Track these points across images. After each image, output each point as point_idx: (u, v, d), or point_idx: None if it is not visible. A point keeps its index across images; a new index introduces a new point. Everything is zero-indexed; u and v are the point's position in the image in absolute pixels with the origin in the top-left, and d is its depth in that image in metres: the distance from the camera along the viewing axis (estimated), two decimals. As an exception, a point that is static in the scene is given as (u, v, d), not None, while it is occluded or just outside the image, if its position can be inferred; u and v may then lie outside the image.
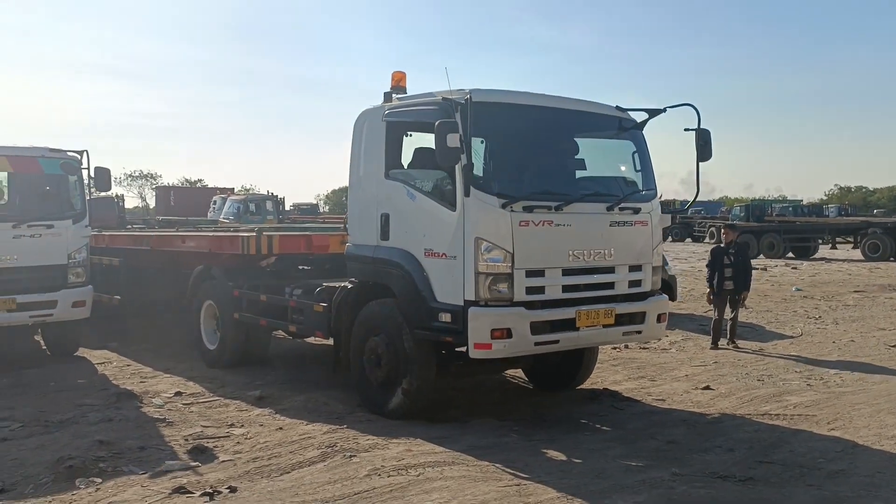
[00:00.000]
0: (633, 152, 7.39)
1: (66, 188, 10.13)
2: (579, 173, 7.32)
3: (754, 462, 5.88)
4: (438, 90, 6.79)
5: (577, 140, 7.39)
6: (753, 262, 27.59)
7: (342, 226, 19.16)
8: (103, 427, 6.92)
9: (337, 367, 7.83)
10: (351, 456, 5.97)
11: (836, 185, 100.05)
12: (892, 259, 28.61)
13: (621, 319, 6.97)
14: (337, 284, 7.98)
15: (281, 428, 6.90)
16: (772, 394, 8.13)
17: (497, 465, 5.78)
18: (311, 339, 10.45)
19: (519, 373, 8.81)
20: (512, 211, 6.38)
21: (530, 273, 6.49)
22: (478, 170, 6.47)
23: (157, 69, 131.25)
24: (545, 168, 7.13)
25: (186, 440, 6.55)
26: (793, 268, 26.33)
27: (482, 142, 6.72)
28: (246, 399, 7.98)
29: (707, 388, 8.44)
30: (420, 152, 7.26)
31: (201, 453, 6.20)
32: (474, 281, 6.32)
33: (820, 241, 34.30)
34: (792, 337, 11.93)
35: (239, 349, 9.56)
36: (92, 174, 10.21)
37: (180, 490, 5.32)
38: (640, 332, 7.26)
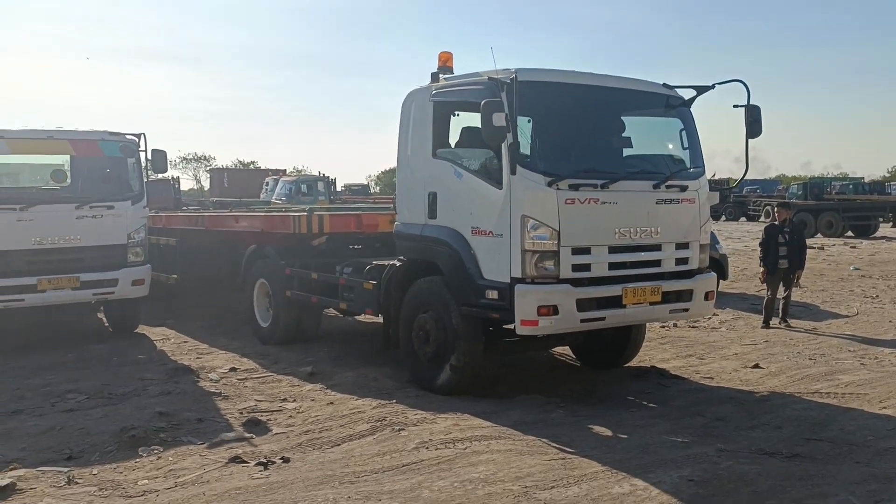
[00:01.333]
0: (681, 130, 7.34)
1: (124, 170, 10.44)
2: (626, 151, 7.29)
3: (802, 439, 5.85)
4: (485, 70, 6.83)
5: (624, 118, 7.35)
6: (810, 241, 27.12)
7: (392, 206, 19.44)
8: (163, 400, 7.21)
9: (387, 343, 7.97)
10: (400, 429, 6.12)
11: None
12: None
13: (668, 297, 6.97)
14: (386, 263, 8.10)
15: (332, 403, 7.09)
16: (823, 372, 8.03)
17: (542, 439, 5.86)
18: (360, 317, 10.63)
19: (567, 350, 8.86)
20: (558, 189, 6.42)
21: (576, 251, 6.52)
22: (524, 148, 6.52)
23: (211, 54, 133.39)
24: (591, 146, 7.14)
25: (241, 413, 6.78)
26: (851, 246, 25.69)
27: (528, 120, 6.77)
28: (298, 375, 8.20)
29: (756, 366, 8.38)
30: (467, 131, 7.34)
31: (255, 426, 6.42)
32: (521, 258, 6.39)
33: (881, 220, 33.37)
34: (847, 316, 11.71)
35: (291, 326, 9.76)
36: (149, 156, 10.53)
37: (236, 459, 5.55)
38: (686, 310, 7.24)
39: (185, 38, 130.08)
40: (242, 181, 40.64)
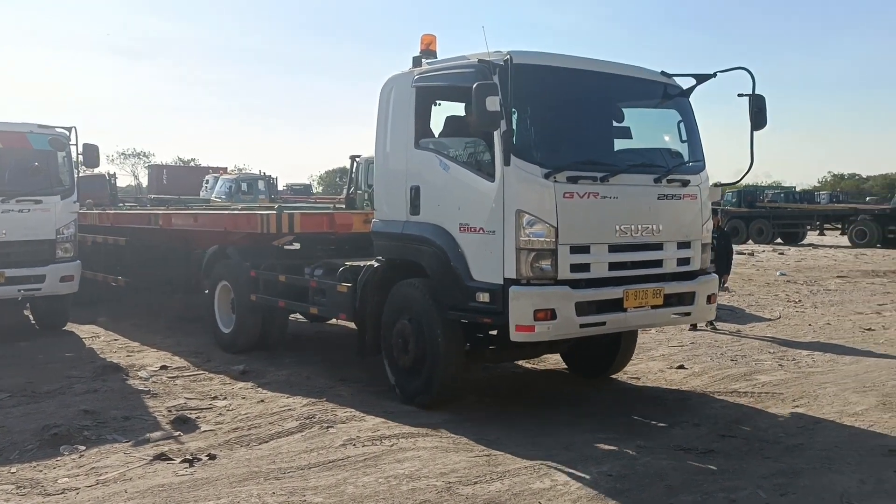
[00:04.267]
0: (679, 121, 6.94)
1: (54, 164, 10.25)
2: (625, 143, 6.86)
3: (717, 436, 6.08)
4: (472, 52, 6.41)
5: (622, 107, 6.95)
6: (742, 247, 28.03)
7: (332, 206, 19.32)
8: (89, 398, 7.11)
9: (362, 351, 7.43)
10: (328, 427, 6.17)
11: (829, 172, 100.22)
12: (878, 246, 28.88)
13: (670, 300, 6.57)
14: (362, 264, 7.56)
15: (262, 401, 7.08)
16: (743, 373, 8.34)
17: (469, 437, 5.97)
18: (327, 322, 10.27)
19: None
20: (556, 182, 5.93)
21: (575, 249, 6.05)
22: (518, 137, 5.98)
23: (154, 46, 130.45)
24: (590, 136, 6.68)
25: (170, 411, 6.73)
26: (780, 253, 26.58)
27: (523, 107, 6.13)
28: (230, 373, 8.16)
29: (681, 367, 8.64)
30: (452, 120, 6.96)
31: (183, 423, 6.39)
32: (515, 257, 5.90)
33: (808, 228, 34.63)
34: (770, 319, 12.14)
35: (255, 332, 9.19)
36: (80, 151, 10.33)
37: (161, 457, 5.52)
38: (689, 314, 6.83)
39: (125, 29, 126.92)
40: (182, 178, 39.89)
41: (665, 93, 6.97)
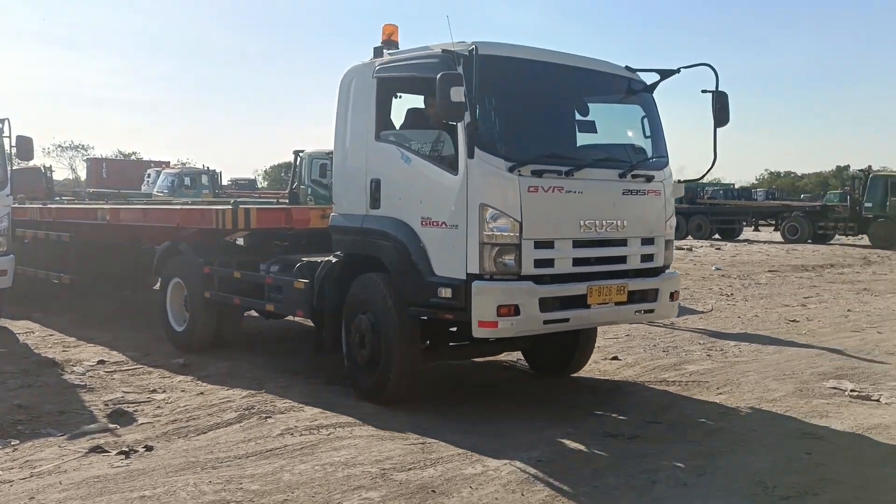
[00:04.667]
0: (643, 117, 6.94)
1: (-14, 157, 10.02)
2: (590, 137, 6.88)
3: (644, 422, 6.35)
4: (436, 43, 6.33)
5: (587, 101, 6.93)
6: (681, 242, 28.72)
7: (275, 200, 19.21)
8: (23, 393, 7.03)
9: (319, 348, 7.28)
10: (267, 417, 6.25)
11: (766, 170, 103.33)
12: (809, 241, 29.95)
13: (633, 296, 6.54)
14: (319, 259, 7.34)
15: (202, 393, 7.11)
16: (673, 363, 8.66)
17: (405, 426, 6.11)
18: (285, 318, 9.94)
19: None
20: (520, 175, 5.87)
21: (539, 244, 5.99)
22: (482, 130, 5.88)
23: (95, 37, 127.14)
24: (554, 129, 6.66)
25: (106, 405, 6.71)
26: (717, 248, 27.36)
27: (487, 99, 6.03)
28: (169, 367, 8.14)
29: (615, 358, 8.92)
30: (414, 113, 6.92)
31: (120, 417, 6.38)
32: (478, 252, 5.82)
33: (745, 224, 35.69)
34: (702, 312, 12.58)
35: (210, 330, 8.91)
36: (13, 143, 10.14)
37: (97, 449, 5.52)
38: (652, 311, 6.77)
39: (64, 18, 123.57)
40: (122, 172, 39.26)
41: (629, 87, 6.95)
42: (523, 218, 5.86)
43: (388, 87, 6.86)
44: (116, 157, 66.26)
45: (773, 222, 34.32)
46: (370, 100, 6.84)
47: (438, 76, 5.62)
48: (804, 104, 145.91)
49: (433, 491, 4.79)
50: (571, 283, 6.16)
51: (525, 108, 6.44)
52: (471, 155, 5.79)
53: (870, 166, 29.69)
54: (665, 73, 6.92)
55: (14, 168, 10.55)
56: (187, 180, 29.01)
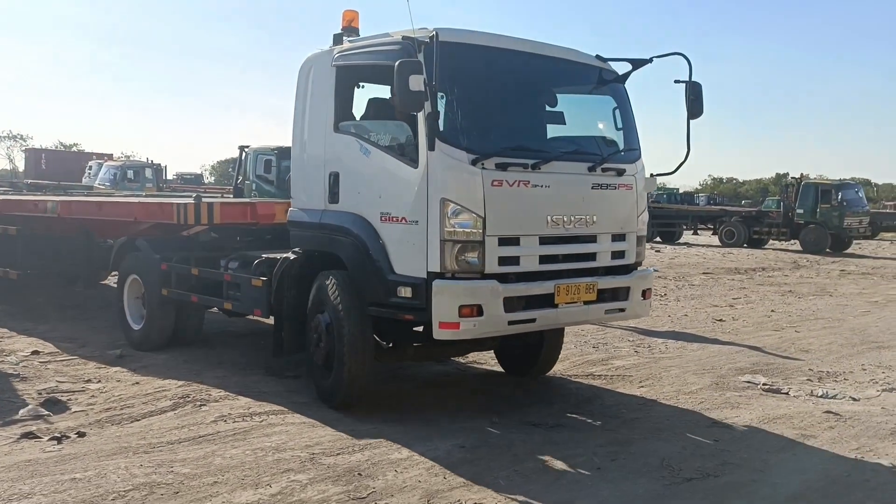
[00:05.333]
0: (615, 108, 6.69)
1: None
2: (558, 129, 6.63)
3: (566, 413, 6.66)
4: (396, 30, 6.08)
5: (556, 92, 6.71)
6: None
7: (220, 195, 19.10)
8: (-46, 381, 7.02)
9: (278, 349, 6.91)
10: (201, 405, 6.39)
11: (710, 175, 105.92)
12: (745, 246, 30.94)
13: (603, 295, 6.33)
14: (279, 256, 7.06)
15: (137, 383, 7.20)
16: (601, 358, 9.01)
17: (336, 415, 6.29)
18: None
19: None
20: (483, 168, 5.62)
21: (504, 241, 5.75)
22: (444, 120, 5.69)
23: (34, 23, 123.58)
24: (520, 121, 6.40)
25: (40, 394, 6.76)
26: (657, 251, 28.06)
27: (449, 88, 5.77)
28: (105, 358, 8.19)
29: (546, 353, 9.23)
30: (375, 103, 6.64)
31: (54, 405, 6.44)
32: (439, 249, 5.55)
33: (685, 227, 36.65)
34: (635, 311, 12.98)
35: (167, 329, 8.63)
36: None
37: (29, 435, 5.61)
38: (623, 310, 6.56)
39: (8, 5, 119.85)
40: (62, 163, 38.42)
41: (600, 77, 6.72)
42: (487, 213, 5.63)
43: (347, 76, 6.62)
44: (57, 147, 64.72)
45: (712, 226, 35.32)
46: (329, 89, 6.59)
47: (396, 64, 5.38)
48: (747, 112, 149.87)
49: (359, 474, 5.00)
50: (538, 282, 5.93)
51: (489, 98, 6.19)
52: (431, 147, 5.55)
53: (802, 174, 30.80)
54: (637, 63, 6.71)
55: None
56: (130, 173, 28.65)
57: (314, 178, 6.69)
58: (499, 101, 6.27)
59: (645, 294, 6.69)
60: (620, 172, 6.44)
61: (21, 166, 52.91)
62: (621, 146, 6.66)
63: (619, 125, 6.70)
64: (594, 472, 5.20)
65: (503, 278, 5.74)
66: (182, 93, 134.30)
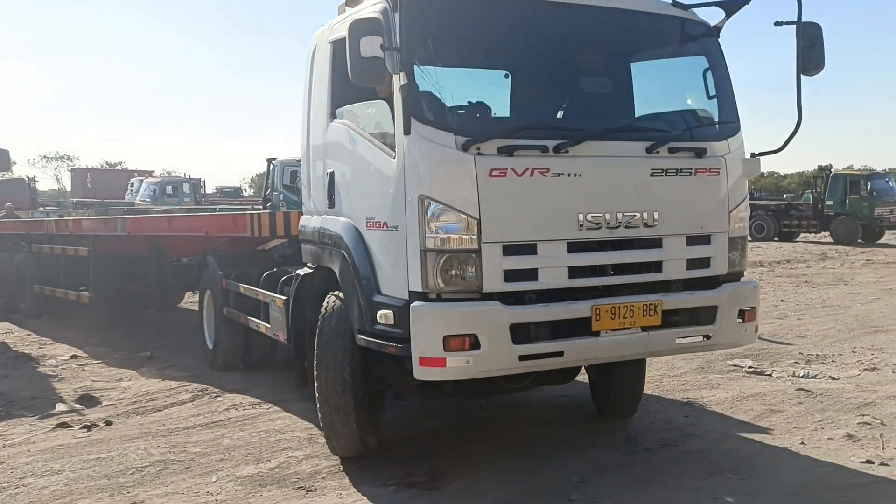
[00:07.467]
0: (706, 70, 5.14)
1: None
2: (606, 100, 5.15)
3: (556, 395, 7.14)
4: None
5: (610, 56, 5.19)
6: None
7: (251, 207, 19.94)
8: (0, 382, 7.79)
9: (302, 380, 5.72)
10: (217, 397, 7.05)
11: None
12: (775, 239, 30.87)
13: (673, 319, 4.78)
14: (302, 272, 5.81)
15: (163, 380, 7.89)
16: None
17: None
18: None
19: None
20: (479, 154, 4.31)
21: (511, 249, 4.38)
22: (425, 94, 4.32)
23: (79, 48, 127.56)
24: (544, 90, 5.05)
25: (75, 391, 7.49)
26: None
27: (434, 49, 4.49)
28: (137, 360, 8.91)
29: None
30: None
31: (88, 401, 7.16)
32: (420, 262, 4.28)
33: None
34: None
35: (232, 350, 8.04)
36: (-10, 156, 10.81)
37: (63, 425, 6.33)
38: (708, 337, 4.93)
39: (54, 31, 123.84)
40: (106, 182, 39.99)
41: (683, 32, 5.16)
42: (482, 213, 4.28)
43: (342, 52, 4.81)
44: (102, 167, 66.92)
45: (743, 221, 35.23)
46: (325, 71, 5.43)
47: (348, 24, 4.37)
48: (790, 104, 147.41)
49: (350, 450, 5.56)
50: (565, 303, 4.48)
51: (492, 59, 5.12)
52: (406, 130, 4.25)
53: (830, 165, 30.67)
54: (732, 6, 5.17)
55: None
56: (169, 189, 29.82)
57: (316, 178, 5.63)
58: (510, 64, 5.15)
59: (745, 316, 5.05)
60: (700, 153, 4.86)
61: (68, 186, 54.88)
62: (715, 118, 5.16)
63: (712, 92, 5.14)
64: (566, 445, 5.68)
65: (514, 298, 4.39)
66: (224, 107, 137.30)
